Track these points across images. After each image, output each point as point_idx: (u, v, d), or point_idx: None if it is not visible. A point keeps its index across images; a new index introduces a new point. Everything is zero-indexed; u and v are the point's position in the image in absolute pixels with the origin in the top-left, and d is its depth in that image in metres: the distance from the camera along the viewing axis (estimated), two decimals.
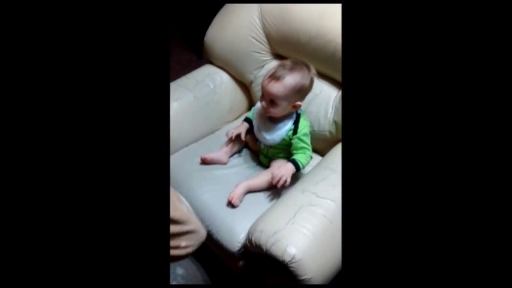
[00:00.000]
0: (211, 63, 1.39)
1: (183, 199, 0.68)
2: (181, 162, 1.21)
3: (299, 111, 1.12)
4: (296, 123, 1.10)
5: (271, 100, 1.04)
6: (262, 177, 1.11)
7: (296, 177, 1.13)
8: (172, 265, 1.05)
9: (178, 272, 1.06)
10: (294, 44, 1.19)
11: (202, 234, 0.67)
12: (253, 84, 1.34)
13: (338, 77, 1.16)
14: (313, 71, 1.08)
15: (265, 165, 1.20)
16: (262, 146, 1.18)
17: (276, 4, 1.21)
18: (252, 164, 1.23)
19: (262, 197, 1.11)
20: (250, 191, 1.11)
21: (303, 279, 0.86)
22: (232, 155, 1.24)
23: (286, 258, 0.85)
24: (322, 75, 1.18)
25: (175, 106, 1.25)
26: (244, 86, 1.39)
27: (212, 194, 1.11)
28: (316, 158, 1.20)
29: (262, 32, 1.25)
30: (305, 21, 1.15)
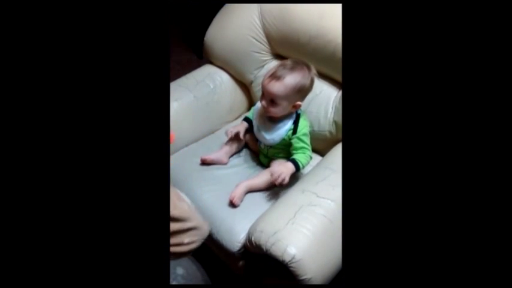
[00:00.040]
0: (211, 63, 1.39)
1: (184, 197, 0.68)
2: (181, 162, 1.21)
3: (299, 111, 1.12)
4: (296, 123, 1.10)
5: (271, 100, 1.04)
6: (263, 177, 1.11)
7: (296, 177, 1.13)
8: (172, 265, 1.05)
9: (179, 272, 1.07)
10: (294, 44, 1.19)
11: (205, 230, 0.68)
12: (253, 84, 1.34)
13: (338, 77, 1.16)
14: (314, 71, 1.08)
15: (265, 165, 1.20)
16: (262, 146, 1.18)
17: (276, 4, 1.21)
18: (252, 164, 1.23)
19: (262, 197, 1.11)
20: (251, 191, 1.11)
21: (303, 279, 0.86)
22: (232, 155, 1.24)
23: (286, 258, 0.85)
24: (322, 75, 1.18)
25: (176, 106, 1.25)
26: (244, 86, 1.39)
27: (212, 194, 1.11)
28: (316, 158, 1.20)
29: (262, 32, 1.25)
30: (305, 21, 1.15)
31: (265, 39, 1.26)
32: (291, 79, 1.02)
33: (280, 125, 1.10)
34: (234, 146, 1.23)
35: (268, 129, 1.12)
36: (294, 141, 1.09)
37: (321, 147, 1.22)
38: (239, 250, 1.02)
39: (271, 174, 1.04)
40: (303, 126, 1.10)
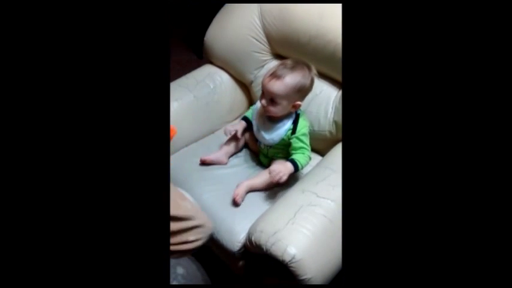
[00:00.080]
0: (211, 63, 1.39)
1: (187, 196, 0.69)
2: (181, 162, 1.21)
3: (298, 111, 1.12)
4: (295, 123, 1.10)
5: (271, 99, 1.04)
6: (263, 177, 1.11)
7: (296, 177, 1.13)
8: (172, 264, 1.05)
9: (179, 272, 1.07)
10: (294, 44, 1.19)
11: (210, 227, 0.69)
12: (253, 84, 1.34)
13: (338, 77, 1.16)
14: (314, 71, 1.08)
15: (266, 165, 1.20)
16: (262, 146, 1.18)
17: (276, 4, 1.21)
18: (252, 164, 1.23)
19: (262, 197, 1.11)
20: (251, 191, 1.11)
21: (303, 279, 0.86)
22: (232, 155, 1.24)
23: (286, 258, 0.85)
24: (322, 75, 1.18)
25: (176, 106, 1.25)
26: (244, 86, 1.39)
27: (212, 194, 1.11)
28: (316, 158, 1.20)
29: (262, 32, 1.25)
30: (305, 21, 1.15)
31: (265, 39, 1.26)
32: (291, 78, 1.02)
33: (280, 125, 1.10)
34: (234, 146, 1.23)
35: (268, 129, 1.12)
36: (293, 141, 1.09)
37: (321, 147, 1.22)
38: (239, 250, 1.02)
39: (270, 172, 1.04)
40: (302, 126, 1.10)
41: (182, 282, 1.05)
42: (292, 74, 1.03)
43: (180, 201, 0.66)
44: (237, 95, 1.38)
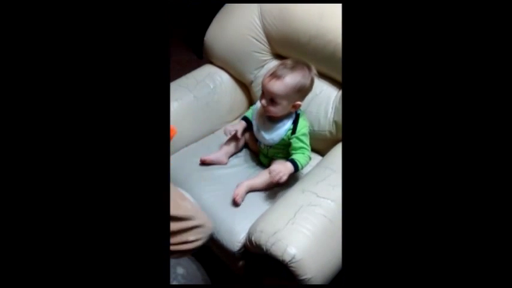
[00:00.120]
0: (211, 63, 1.39)
1: (187, 196, 0.69)
2: (182, 162, 1.21)
3: (298, 111, 1.12)
4: (295, 123, 1.10)
5: (271, 99, 1.04)
6: (263, 177, 1.11)
7: (296, 177, 1.13)
8: (172, 264, 1.05)
9: (179, 272, 1.07)
10: (294, 43, 1.19)
11: (210, 227, 0.69)
12: (253, 84, 1.34)
13: (338, 77, 1.16)
14: (314, 71, 1.08)
15: (266, 165, 1.20)
16: (262, 146, 1.18)
17: (276, 4, 1.21)
18: (252, 164, 1.23)
19: (262, 197, 1.11)
20: (251, 191, 1.11)
21: (303, 279, 0.86)
22: (232, 155, 1.24)
23: (286, 258, 0.85)
24: (322, 75, 1.18)
25: (176, 106, 1.25)
26: (244, 86, 1.39)
27: (212, 194, 1.11)
28: (316, 158, 1.20)
29: (262, 32, 1.25)
30: (305, 21, 1.15)
31: (265, 39, 1.26)
32: (291, 78, 1.02)
33: (280, 125, 1.10)
34: (234, 146, 1.23)
35: (268, 129, 1.12)
36: (293, 141, 1.09)
37: (321, 147, 1.22)
38: (239, 250, 1.02)
39: (270, 172, 1.04)
40: (302, 126, 1.10)
41: (182, 282, 1.05)
42: (292, 74, 1.03)
43: (180, 201, 0.66)
44: (237, 95, 1.38)
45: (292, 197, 1.00)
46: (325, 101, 1.19)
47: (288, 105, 1.06)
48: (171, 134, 0.76)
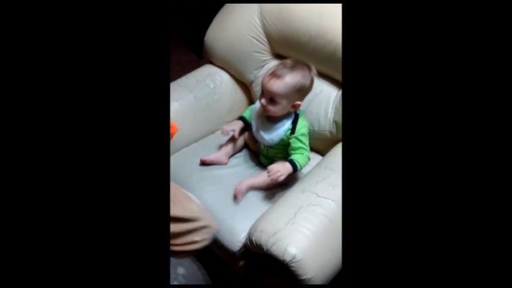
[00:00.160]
0: (211, 63, 1.39)
1: (193, 197, 0.71)
2: (182, 162, 1.21)
3: (298, 112, 1.12)
4: (294, 123, 1.09)
5: (271, 98, 1.04)
6: (263, 177, 1.11)
7: (296, 177, 1.13)
8: (173, 264, 1.05)
9: (180, 272, 1.07)
10: (294, 43, 1.19)
11: (215, 228, 0.71)
12: (253, 84, 1.34)
13: (338, 76, 1.16)
14: (314, 71, 1.08)
15: (266, 166, 1.19)
16: (262, 146, 1.18)
17: (276, 4, 1.21)
18: (252, 164, 1.23)
19: (263, 197, 1.11)
20: (252, 189, 1.11)
21: (303, 279, 0.86)
22: (231, 155, 1.24)
23: (287, 258, 0.85)
24: (322, 75, 1.18)
25: (176, 106, 1.25)
26: (245, 86, 1.39)
27: (212, 194, 1.11)
28: (317, 157, 1.20)
29: (262, 31, 1.25)
30: (305, 21, 1.15)
31: (265, 39, 1.26)
32: (291, 78, 1.02)
33: (279, 125, 1.10)
34: (234, 146, 1.23)
35: (267, 129, 1.12)
36: (292, 141, 1.09)
37: (321, 147, 1.22)
38: (240, 250, 1.02)
39: (268, 171, 1.04)
40: (302, 127, 1.10)
41: (183, 282, 1.05)
42: (292, 74, 1.03)
43: (186, 203, 0.68)
44: (237, 95, 1.38)
45: (292, 197, 1.00)
46: (325, 100, 1.19)
47: (287, 105, 1.06)
48: (172, 130, 0.77)
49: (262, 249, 0.90)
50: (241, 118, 1.23)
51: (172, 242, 0.63)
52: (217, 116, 1.34)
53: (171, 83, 1.31)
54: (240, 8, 1.30)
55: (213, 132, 1.35)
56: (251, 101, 1.39)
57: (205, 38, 1.36)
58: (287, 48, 1.24)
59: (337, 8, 1.10)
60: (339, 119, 1.15)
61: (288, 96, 1.04)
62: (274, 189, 1.12)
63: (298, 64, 1.05)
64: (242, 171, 1.20)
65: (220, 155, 1.20)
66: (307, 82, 1.06)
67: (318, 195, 0.95)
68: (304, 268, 0.85)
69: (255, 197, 1.11)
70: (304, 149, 1.09)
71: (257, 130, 1.15)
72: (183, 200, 0.68)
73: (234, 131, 1.18)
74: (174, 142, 1.22)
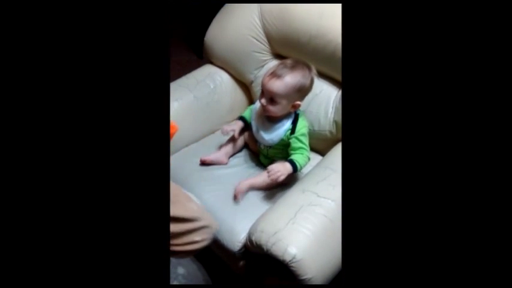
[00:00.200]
0: (211, 63, 1.39)
1: (193, 197, 0.72)
2: (182, 162, 1.21)
3: (298, 112, 1.12)
4: (294, 123, 1.09)
5: (271, 98, 1.04)
6: (263, 177, 1.11)
7: (296, 177, 1.13)
8: (173, 264, 1.05)
9: (180, 272, 1.07)
10: (294, 43, 1.19)
11: (215, 228, 0.71)
12: (253, 84, 1.34)
13: (338, 76, 1.16)
14: (314, 71, 1.08)
15: (266, 166, 1.19)
16: (262, 147, 1.18)
17: (276, 4, 1.21)
18: (252, 164, 1.23)
19: (263, 197, 1.11)
20: (252, 189, 1.11)
21: (303, 279, 0.86)
22: (232, 155, 1.24)
23: (287, 258, 0.85)
24: (322, 75, 1.18)
25: (176, 106, 1.25)
26: (245, 86, 1.39)
27: (212, 194, 1.11)
28: (317, 157, 1.20)
29: (262, 31, 1.25)
30: (305, 21, 1.15)
31: (265, 39, 1.26)
32: (292, 78, 1.02)
33: (279, 125, 1.10)
34: (233, 146, 1.23)
35: (267, 129, 1.12)
36: (292, 141, 1.09)
37: (321, 147, 1.22)
38: (240, 250, 1.02)
39: (268, 171, 1.04)
40: (302, 127, 1.10)
41: (183, 282, 1.05)
42: (292, 74, 1.03)
43: (187, 203, 0.68)
44: (237, 95, 1.38)
45: (292, 196, 1.00)
46: (325, 100, 1.19)
47: (287, 105, 1.06)
48: (172, 130, 0.77)
49: (263, 249, 0.90)
50: (241, 118, 1.22)
51: (172, 242, 0.63)
52: (217, 116, 1.34)
53: (171, 83, 1.31)
54: (240, 8, 1.30)
55: (213, 132, 1.35)
56: (251, 101, 1.39)
57: (205, 38, 1.36)
58: (287, 48, 1.24)
59: (337, 8, 1.10)
60: (339, 119, 1.15)
61: (288, 96, 1.04)
62: (274, 189, 1.12)
63: (298, 64, 1.05)
64: (242, 171, 1.20)
65: (220, 155, 1.20)
66: (307, 82, 1.06)
67: (318, 195, 0.95)
68: (304, 268, 0.85)
69: (255, 197, 1.11)
70: (304, 149, 1.09)
71: (257, 130, 1.15)
72: (184, 200, 0.68)
73: (233, 131, 1.18)
74: (174, 142, 1.22)
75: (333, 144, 1.15)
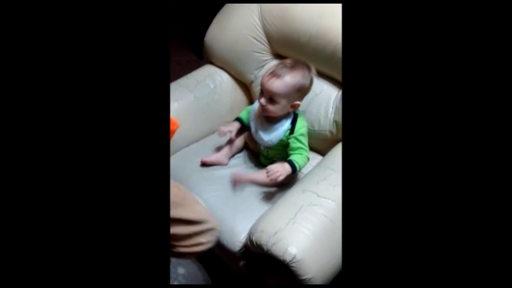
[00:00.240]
0: (211, 63, 1.39)
1: (199, 200, 0.73)
2: (182, 162, 1.21)
3: (297, 112, 1.12)
4: (293, 123, 1.09)
5: (270, 98, 1.04)
6: (263, 174, 1.11)
7: (296, 177, 1.13)
8: (173, 265, 1.05)
9: (180, 272, 1.07)
10: (294, 43, 1.19)
11: (219, 230, 0.73)
12: (253, 84, 1.34)
13: (338, 76, 1.16)
14: (314, 71, 1.08)
15: (266, 166, 1.19)
16: (262, 148, 1.18)
17: (276, 4, 1.21)
18: (252, 164, 1.23)
19: (263, 197, 1.11)
20: (251, 183, 1.12)
21: (303, 279, 0.86)
22: (232, 156, 1.24)
23: (287, 258, 0.85)
24: (323, 75, 1.18)
25: (176, 106, 1.25)
26: (245, 86, 1.39)
27: (213, 194, 1.11)
28: (317, 157, 1.20)
29: (262, 31, 1.25)
30: (305, 21, 1.15)
31: (265, 39, 1.26)
32: (291, 78, 1.02)
33: (278, 125, 1.10)
34: (234, 147, 1.23)
35: (266, 130, 1.12)
36: (291, 141, 1.08)
37: (321, 147, 1.22)
38: (240, 250, 1.02)
39: (267, 172, 1.03)
40: (301, 127, 1.09)
41: (183, 282, 1.05)
42: (292, 73, 1.03)
43: (194, 206, 0.70)
44: (237, 95, 1.38)
45: (292, 196, 1.00)
46: (325, 100, 1.19)
47: (287, 105, 1.06)
48: (173, 127, 0.76)
49: (263, 249, 0.90)
50: (238, 119, 1.22)
51: (180, 243, 0.64)
52: (217, 116, 1.34)
53: (171, 83, 1.31)
54: (240, 8, 1.30)
55: (213, 132, 1.34)
56: (251, 101, 1.39)
57: (205, 38, 1.36)
58: (287, 48, 1.24)
59: (337, 8, 1.10)
60: (339, 119, 1.15)
61: (288, 96, 1.04)
62: (274, 189, 1.12)
63: (298, 64, 1.05)
64: (242, 172, 1.19)
65: (221, 155, 1.20)
66: (307, 82, 1.06)
67: (318, 195, 0.95)
68: (304, 268, 0.85)
69: (255, 197, 1.11)
70: (303, 149, 1.08)
71: (256, 131, 1.15)
72: (192, 203, 0.70)
73: (230, 132, 1.17)
74: (174, 142, 1.22)
75: (333, 144, 1.15)
